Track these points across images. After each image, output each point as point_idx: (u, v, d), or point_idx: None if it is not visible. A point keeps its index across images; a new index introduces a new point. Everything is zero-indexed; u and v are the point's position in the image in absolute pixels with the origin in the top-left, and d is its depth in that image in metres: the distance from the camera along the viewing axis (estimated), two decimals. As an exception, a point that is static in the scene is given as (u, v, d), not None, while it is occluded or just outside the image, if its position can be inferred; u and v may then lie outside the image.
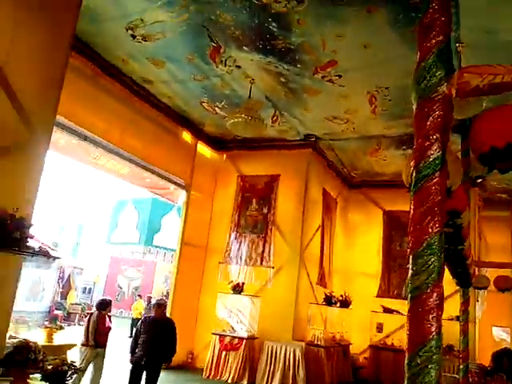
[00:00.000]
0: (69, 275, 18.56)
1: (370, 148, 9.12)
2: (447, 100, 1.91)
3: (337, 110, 7.48)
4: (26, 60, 3.30)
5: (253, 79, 6.88)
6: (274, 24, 5.28)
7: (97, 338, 5.22)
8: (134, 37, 6.17)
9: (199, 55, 6.43)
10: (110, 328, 5.44)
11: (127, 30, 6.04)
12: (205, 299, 9.13)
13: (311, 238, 9.29)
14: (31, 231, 2.84)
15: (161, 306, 5.12)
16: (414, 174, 1.88)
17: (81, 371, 3.06)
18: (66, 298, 17.99)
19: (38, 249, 2.95)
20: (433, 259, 1.82)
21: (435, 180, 1.88)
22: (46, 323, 4.79)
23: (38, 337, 4.14)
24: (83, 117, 6.74)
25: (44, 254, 2.60)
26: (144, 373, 4.87)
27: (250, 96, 6.95)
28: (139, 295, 19.16)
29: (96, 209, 28.56)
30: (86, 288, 23.06)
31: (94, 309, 5.91)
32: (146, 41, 6.24)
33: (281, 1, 4.79)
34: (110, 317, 5.71)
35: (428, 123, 1.90)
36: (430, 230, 1.84)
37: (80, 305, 17.61)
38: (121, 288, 23.76)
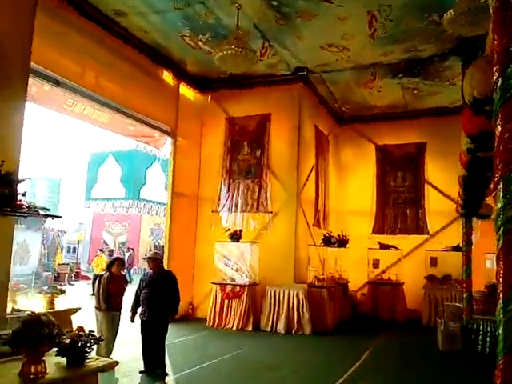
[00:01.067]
0: (53, 235, 18.05)
1: (364, 78, 8.60)
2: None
3: (333, 35, 6.85)
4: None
5: (239, 4, 6.13)
6: None
7: (108, 301, 4.89)
8: (101, -42, 5.31)
9: (179, -22, 5.64)
10: (122, 289, 5.08)
11: (93, -50, 5.18)
12: (201, 249, 8.84)
13: (306, 179, 8.94)
14: (22, 187, 2.33)
15: (156, 260, 4.79)
16: (498, 83, 1.45)
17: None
18: (53, 260, 17.61)
19: (28, 208, 2.46)
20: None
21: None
22: (45, 288, 4.39)
23: (37, 304, 3.75)
24: (53, 59, 5.95)
25: (39, 214, 2.11)
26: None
27: (237, 24, 6.22)
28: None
29: (73, 163, 27.29)
30: (70, 247, 22.64)
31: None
32: (116, -38, 5.39)
33: None
34: (123, 276, 5.31)
35: None
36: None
37: (68, 265, 17.30)
38: (107, 244, 23.39)
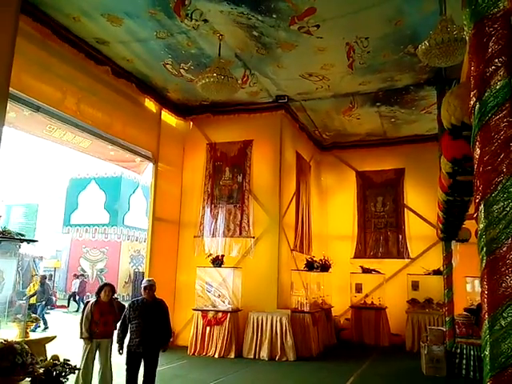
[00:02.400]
0: (28, 262, 17.54)
1: (343, 107, 8.82)
2: (509, 17, 1.56)
3: (312, 65, 7.05)
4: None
5: (221, 34, 6.29)
6: (248, -36, 4.72)
7: (92, 328, 4.70)
8: (85, -12, 5.40)
9: (162, 9, 5.75)
10: (110, 316, 4.83)
11: (77, -19, 5.27)
12: (182, 275, 8.73)
13: (289, 204, 9.01)
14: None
15: (152, 287, 4.62)
16: (476, 108, 1.53)
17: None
18: (27, 287, 17.06)
19: (1, 233, 2.41)
20: (511, 204, 1.50)
21: (505, 111, 1.54)
22: (19, 316, 4.22)
23: (10, 333, 3.60)
24: (34, 85, 5.97)
25: (14, 238, 2.07)
26: (142, 361, 4.43)
27: (219, 54, 6.36)
28: (75, 275, 18.40)
29: (50, 189, 26.77)
30: (74, 275, 22.00)
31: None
32: (100, -7, 5.49)
33: None
34: (116, 303, 5.07)
35: (490, 46, 1.54)
36: (505, 170, 1.51)
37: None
38: (84, 271, 22.82)
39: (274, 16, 5.70)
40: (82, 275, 19.90)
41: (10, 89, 5.48)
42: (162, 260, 8.39)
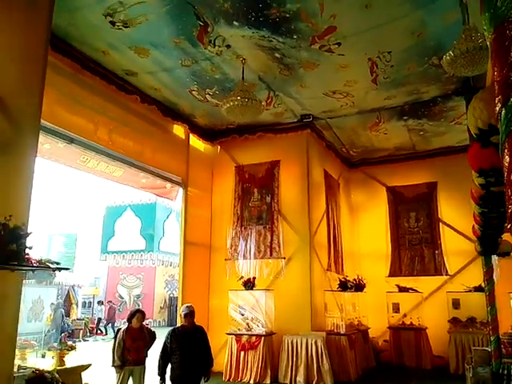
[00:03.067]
0: (68, 291, 17.97)
1: (369, 122, 8.74)
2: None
3: (336, 82, 7.05)
4: (4, 60, 2.82)
5: (244, 58, 6.42)
6: (267, -11, 4.83)
7: (125, 356, 4.68)
8: (113, 23, 5.65)
9: (186, 37, 5.94)
10: (141, 342, 4.80)
11: (105, 17, 5.52)
12: (215, 299, 8.70)
13: (319, 224, 8.90)
14: (30, 241, 2.37)
15: (193, 314, 4.52)
16: (502, 114, 1.47)
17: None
18: (68, 315, 17.42)
19: (37, 262, 2.49)
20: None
21: (535, 115, 1.47)
22: (55, 344, 4.29)
23: (47, 362, 3.66)
24: (67, 118, 6.23)
25: (48, 267, 2.13)
26: None
27: (242, 77, 6.48)
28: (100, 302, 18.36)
29: (88, 217, 27.58)
30: (85, 302, 22.43)
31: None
32: (127, 27, 5.72)
33: (275, -40, 4.33)
34: (147, 329, 5.06)
35: None
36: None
37: (82, 320, 17.07)
38: (122, 298, 23.15)
39: (295, 37, 5.78)
40: (110, 301, 20.11)
41: (45, 122, 5.77)
42: (194, 284, 8.42)
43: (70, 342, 6.07)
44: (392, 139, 9.69)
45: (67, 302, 17.15)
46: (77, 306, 18.43)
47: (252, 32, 5.73)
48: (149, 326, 5.41)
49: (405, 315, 9.73)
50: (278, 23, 5.47)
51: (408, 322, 9.63)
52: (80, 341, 15.17)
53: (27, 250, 2.13)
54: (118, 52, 6.34)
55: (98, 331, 18.09)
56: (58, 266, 2.22)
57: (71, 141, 6.38)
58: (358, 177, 11.17)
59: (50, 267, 2.20)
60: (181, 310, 4.63)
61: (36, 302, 12.57)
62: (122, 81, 7.11)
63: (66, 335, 15.19)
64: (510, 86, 1.38)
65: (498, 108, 1.42)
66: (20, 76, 2.90)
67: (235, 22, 5.54)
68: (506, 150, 1.38)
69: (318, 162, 9.14)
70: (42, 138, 6.08)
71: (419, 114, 8.46)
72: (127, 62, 6.60)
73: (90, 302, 22.76)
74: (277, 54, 6.24)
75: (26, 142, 2.80)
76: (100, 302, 20.08)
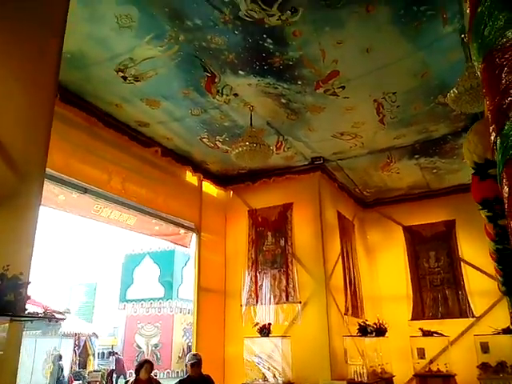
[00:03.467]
0: (85, 341, 17.77)
1: (381, 162, 8.74)
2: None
3: (343, 125, 7.14)
4: (5, 108, 2.98)
5: (252, 106, 6.59)
6: (268, 40, 5.02)
7: None
8: (125, 78, 5.91)
9: (195, 88, 6.17)
10: None
11: (117, 72, 5.79)
12: (230, 347, 8.45)
13: (334, 266, 8.73)
14: (28, 291, 2.38)
15: (200, 363, 4.44)
16: (497, 144, 1.44)
17: None
18: (84, 367, 17.13)
19: (39, 313, 2.48)
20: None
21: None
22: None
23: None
24: (81, 169, 6.41)
25: (45, 317, 2.13)
26: None
27: (251, 124, 6.63)
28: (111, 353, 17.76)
29: (106, 266, 27.71)
30: (104, 353, 22.07)
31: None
32: (138, 81, 5.98)
33: (274, 13, 4.54)
34: (154, 380, 4.96)
35: (503, 77, 1.48)
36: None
37: (99, 371, 16.73)
38: (140, 348, 22.72)
39: (299, 82, 5.93)
40: (116, 353, 19.71)
41: (59, 174, 6.00)
42: (209, 331, 8.23)
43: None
44: (405, 178, 9.63)
45: (84, 353, 16.91)
46: (94, 356, 18.14)
47: (257, 80, 5.91)
48: (157, 378, 5.26)
49: (431, 361, 9.25)
50: (281, 70, 5.64)
51: (435, 369, 9.13)
52: (96, 394, 14.80)
53: (26, 301, 2.15)
54: (130, 104, 6.60)
55: None
56: (53, 316, 2.21)
57: (85, 191, 6.53)
58: (373, 217, 11.03)
59: (45, 317, 2.19)
60: (187, 360, 4.52)
61: (51, 353, 12.43)
62: (135, 132, 7.34)
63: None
64: (503, 114, 1.36)
65: (492, 137, 1.39)
66: (25, 125, 3.02)
67: (241, 72, 5.75)
68: (504, 181, 1.33)
69: (330, 204, 9.09)
70: (56, 189, 6.31)
71: (430, 153, 8.43)
72: (139, 113, 6.84)
73: (109, 353, 22.40)
74: (283, 100, 6.39)
75: (30, 192, 2.87)
76: (112, 353, 19.75)
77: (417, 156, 8.52)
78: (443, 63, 5.64)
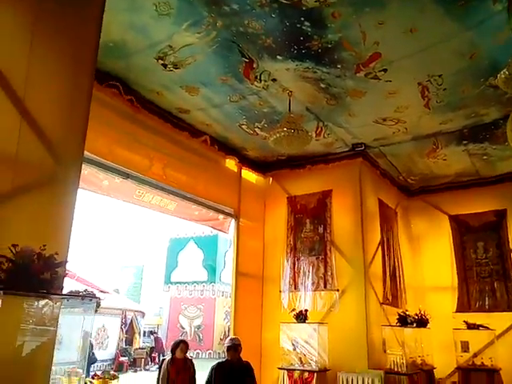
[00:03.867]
0: (131, 320, 18.60)
1: (426, 149, 8.40)
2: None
3: (385, 109, 6.91)
4: (46, 92, 3.11)
5: (290, 91, 6.51)
6: (306, 23, 4.91)
7: None
8: (165, 66, 6.01)
9: (233, 74, 6.16)
10: (188, 375, 4.75)
11: (157, 60, 5.89)
12: (267, 332, 8.55)
13: (374, 255, 8.56)
14: (65, 269, 2.51)
15: (237, 348, 4.41)
16: None
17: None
18: (131, 344, 17.94)
19: (79, 291, 2.61)
20: None
21: None
22: (99, 373, 4.41)
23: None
24: (124, 155, 6.62)
25: (78, 295, 2.24)
26: None
27: (289, 109, 6.56)
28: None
29: (153, 249, 28.73)
30: (151, 331, 23.00)
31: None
32: (177, 68, 6.05)
33: (312, -6, 4.42)
34: (189, 361, 5.01)
35: None
36: None
37: (144, 349, 17.48)
38: (183, 328, 23.49)
39: (339, 66, 5.78)
40: (155, 333, 20.36)
41: (104, 159, 6.24)
42: (246, 316, 8.36)
43: (131, 371, 6.20)
44: (453, 165, 9.21)
45: (130, 331, 17.70)
46: (139, 335, 18.95)
47: (296, 65, 5.82)
48: (192, 358, 5.39)
49: (475, 355, 8.92)
50: (320, 54, 5.51)
51: (479, 363, 8.80)
52: (142, 370, 15.48)
53: (63, 279, 2.27)
54: (171, 92, 6.70)
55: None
56: (85, 294, 2.32)
57: (127, 176, 6.75)
58: (418, 205, 10.67)
59: (78, 295, 2.31)
60: (225, 343, 4.55)
61: (100, 330, 13.11)
62: (176, 118, 7.46)
63: (127, 363, 15.58)
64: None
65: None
66: (63, 111, 3.14)
67: (279, 56, 5.67)
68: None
69: (371, 191, 8.88)
70: (101, 174, 6.57)
71: (480, 138, 7.99)
72: (179, 100, 6.94)
73: (150, 332, 23.33)
74: (322, 85, 6.26)
75: (68, 176, 3.00)
76: (151, 333, 20.53)
77: (465, 142, 8.11)
78: (493, 43, 5.29)
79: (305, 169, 9.00)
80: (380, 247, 8.86)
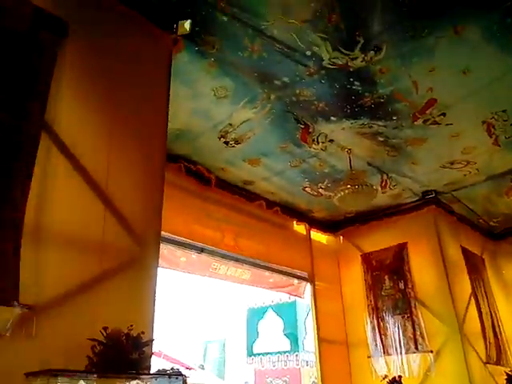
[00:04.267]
0: (217, 398, 18.08)
1: (504, 187, 7.88)
2: None
3: (451, 153, 6.69)
4: (124, 180, 3.44)
5: (349, 149, 6.58)
6: (356, 83, 5.06)
7: None
8: (227, 143, 6.40)
9: (291, 141, 6.40)
10: None
11: (220, 139, 6.30)
12: (361, 403, 7.92)
13: (466, 308, 7.84)
14: (152, 348, 2.60)
15: None
16: None
17: None
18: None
19: (166, 369, 2.67)
20: None
21: None
22: None
23: None
24: (197, 230, 6.91)
25: (165, 374, 2.29)
26: None
27: (350, 167, 6.60)
28: None
29: (232, 321, 28.48)
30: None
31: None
32: (238, 143, 6.42)
33: (357, 56, 4.61)
34: None
35: None
36: None
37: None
38: (272, 404, 22.33)
39: (394, 118, 5.80)
40: None
41: (178, 237, 6.56)
42: (335, 385, 7.86)
43: None
44: (539, 200, 8.52)
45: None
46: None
47: (351, 123, 5.93)
48: None
49: None
50: (374, 109, 5.59)
51: None
52: None
53: (149, 358, 2.34)
54: (235, 166, 7.05)
55: None
56: (172, 373, 2.36)
57: (201, 250, 6.99)
58: (507, 249, 9.81)
59: (166, 374, 2.35)
60: None
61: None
62: (243, 190, 7.76)
63: None
64: None
65: None
66: (140, 196, 3.42)
67: (332, 118, 5.83)
68: None
69: (451, 239, 8.35)
70: (179, 251, 6.88)
71: None
72: (243, 173, 7.25)
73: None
74: (380, 138, 6.27)
75: (148, 255, 3.20)
76: None
77: (547, 174, 7.54)
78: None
79: (375, 224, 8.76)
80: (472, 299, 8.13)
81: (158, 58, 4.16)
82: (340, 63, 4.74)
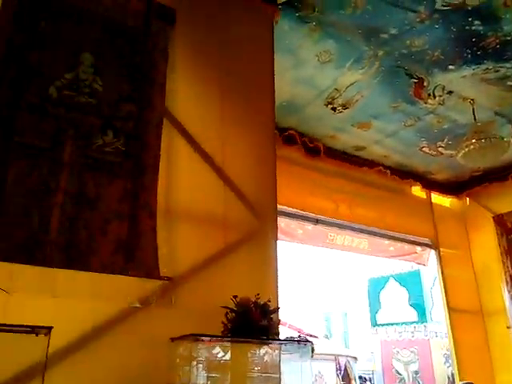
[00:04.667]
0: (345, 365, 18.29)
1: None
2: None
3: None
4: (238, 156, 3.54)
5: (472, 99, 5.91)
6: (476, 22, 4.48)
7: None
8: (334, 109, 6.21)
9: (403, 99, 5.97)
10: None
11: (327, 106, 6.14)
12: (502, 374, 7.30)
13: None
14: (279, 316, 2.67)
15: None
16: None
17: None
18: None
19: (294, 337, 2.74)
20: None
21: None
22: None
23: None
24: (310, 201, 6.89)
25: (294, 340, 2.34)
26: None
27: (475, 119, 5.94)
28: None
29: (353, 292, 28.33)
30: (362, 377, 22.15)
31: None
32: (346, 108, 6.19)
33: (475, -8, 4.06)
34: None
35: None
36: None
37: (361, 396, 16.88)
38: (399, 374, 21.90)
39: (526, 57, 5.04)
40: (364, 378, 19.06)
41: (293, 209, 6.63)
42: (471, 358, 7.33)
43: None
44: None
45: (346, 377, 17.38)
46: (355, 380, 18.44)
47: (473, 69, 5.30)
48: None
49: None
50: (499, 50, 4.91)
51: None
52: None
53: (278, 325, 2.42)
54: (344, 132, 6.84)
55: None
56: (301, 339, 2.40)
57: (316, 221, 6.98)
58: None
59: (295, 340, 2.40)
60: None
61: (317, 377, 13.26)
62: (354, 157, 7.50)
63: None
64: None
65: None
66: (255, 172, 3.50)
67: (450, 66, 5.27)
68: None
69: None
70: (294, 224, 6.98)
71: None
72: (353, 139, 7.01)
73: (369, 378, 22.37)
74: (509, 82, 5.51)
75: (268, 229, 3.28)
76: (360, 378, 19.57)
77: None
78: None
79: (508, 181, 7.82)
80: None
81: (262, 31, 4.14)
82: (455, 2, 4.23)
